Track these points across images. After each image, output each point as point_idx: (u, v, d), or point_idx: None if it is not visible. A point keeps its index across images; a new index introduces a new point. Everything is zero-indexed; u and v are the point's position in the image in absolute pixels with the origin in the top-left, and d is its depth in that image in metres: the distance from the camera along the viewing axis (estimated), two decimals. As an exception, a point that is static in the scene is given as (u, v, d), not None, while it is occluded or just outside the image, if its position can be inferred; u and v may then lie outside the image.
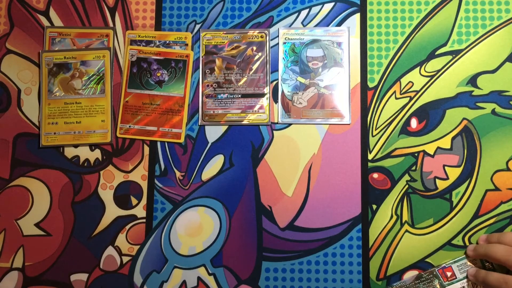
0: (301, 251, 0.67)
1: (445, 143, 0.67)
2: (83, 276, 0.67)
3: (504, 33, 0.68)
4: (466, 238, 0.66)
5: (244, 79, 0.69)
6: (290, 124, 0.69)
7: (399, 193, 0.67)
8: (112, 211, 0.68)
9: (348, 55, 0.69)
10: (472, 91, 0.68)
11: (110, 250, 0.67)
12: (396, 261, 0.66)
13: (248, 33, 0.70)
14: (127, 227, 0.68)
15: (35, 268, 0.67)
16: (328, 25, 0.70)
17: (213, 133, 0.69)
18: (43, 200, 0.68)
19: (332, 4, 0.70)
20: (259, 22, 0.70)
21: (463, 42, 0.68)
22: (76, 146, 0.69)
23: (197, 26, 0.70)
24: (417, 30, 0.69)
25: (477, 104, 0.68)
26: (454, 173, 0.67)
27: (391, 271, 0.66)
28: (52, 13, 0.71)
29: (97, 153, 0.69)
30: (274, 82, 0.69)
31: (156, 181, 0.68)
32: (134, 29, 0.71)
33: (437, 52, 0.68)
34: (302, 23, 0.70)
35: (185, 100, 0.69)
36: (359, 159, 0.67)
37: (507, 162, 0.66)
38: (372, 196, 0.67)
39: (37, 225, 0.68)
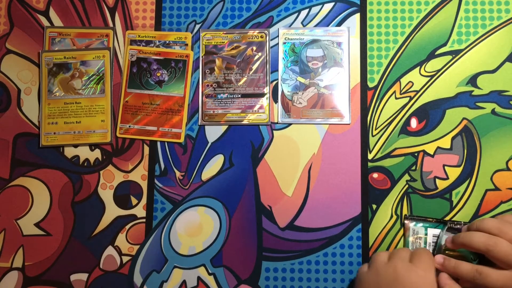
0: (301, 251, 0.67)
1: (445, 143, 0.67)
2: (83, 276, 0.67)
3: (504, 33, 0.68)
4: (466, 238, 0.66)
5: (244, 79, 0.69)
6: (290, 124, 0.69)
7: (399, 193, 0.67)
8: (112, 211, 0.68)
9: (348, 55, 0.69)
10: (472, 91, 0.68)
11: (110, 250, 0.67)
12: (396, 261, 0.66)
13: (248, 33, 0.70)
14: (127, 227, 0.68)
15: (35, 268, 0.67)
16: (328, 25, 0.70)
17: (213, 133, 0.69)
18: (43, 200, 0.68)
19: (332, 4, 0.70)
20: (259, 22, 0.70)
21: (463, 42, 0.68)
22: (76, 146, 0.69)
23: (197, 26, 0.70)
24: (417, 30, 0.69)
25: (477, 104, 0.68)
26: (454, 173, 0.67)
27: (391, 271, 0.66)
28: (52, 13, 0.71)
29: (97, 153, 0.69)
30: (274, 82, 0.69)
31: (156, 181, 0.68)
32: (134, 29, 0.71)
33: (437, 52, 0.68)
34: (302, 23, 0.70)
35: (185, 100, 0.69)
36: (359, 159, 0.68)
37: (507, 162, 0.66)
38: (372, 196, 0.67)
39: (37, 225, 0.68)
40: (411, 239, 0.64)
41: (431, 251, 0.62)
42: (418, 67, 0.68)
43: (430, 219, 0.64)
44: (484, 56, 0.68)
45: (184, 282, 0.66)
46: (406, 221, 0.65)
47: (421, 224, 0.64)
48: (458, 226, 0.62)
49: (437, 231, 0.63)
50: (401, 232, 0.66)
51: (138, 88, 0.69)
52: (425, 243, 0.63)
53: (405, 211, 0.66)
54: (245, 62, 0.70)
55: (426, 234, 0.63)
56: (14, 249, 0.67)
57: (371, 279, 0.57)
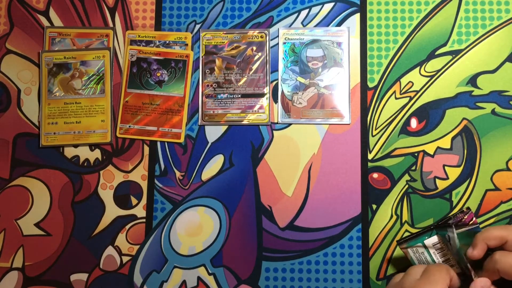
0: (301, 251, 0.67)
1: (445, 143, 0.67)
2: (83, 276, 0.67)
3: (504, 33, 0.68)
4: (466, 238, 0.66)
5: (244, 79, 0.69)
6: (290, 124, 0.69)
7: (399, 193, 0.67)
8: (112, 211, 0.68)
9: (348, 55, 0.69)
10: (472, 91, 0.68)
11: (110, 250, 0.67)
12: (396, 261, 0.66)
13: (248, 33, 0.70)
14: (127, 227, 0.68)
15: (35, 268, 0.67)
16: (328, 25, 0.70)
17: (213, 133, 0.69)
18: (43, 200, 0.68)
19: (332, 4, 0.70)
20: (259, 22, 0.70)
21: (463, 42, 0.68)
22: (76, 146, 0.69)
23: (197, 26, 0.70)
24: (417, 30, 0.69)
25: (477, 104, 0.68)
26: (454, 173, 0.67)
27: (391, 271, 0.66)
28: (52, 13, 0.71)
29: (97, 153, 0.69)
30: (274, 82, 0.69)
31: (156, 181, 0.68)
32: (134, 29, 0.71)
33: (437, 52, 0.68)
34: (302, 23, 0.70)
35: (185, 100, 0.69)
36: (359, 159, 0.68)
37: (507, 162, 0.66)
38: (372, 196, 0.67)
39: (37, 225, 0.68)
40: (415, 259, 0.61)
41: (442, 261, 0.59)
42: (418, 67, 0.68)
43: (419, 233, 0.60)
44: (484, 56, 0.68)
45: (184, 282, 0.67)
46: (400, 247, 0.61)
47: (415, 241, 0.60)
48: (451, 221, 0.59)
49: (435, 239, 0.60)
50: (401, 232, 0.66)
51: (138, 88, 0.69)
52: (430, 255, 0.60)
53: (405, 211, 0.66)
54: (245, 62, 0.70)
55: (425, 247, 0.60)
56: (14, 249, 0.67)
57: None
